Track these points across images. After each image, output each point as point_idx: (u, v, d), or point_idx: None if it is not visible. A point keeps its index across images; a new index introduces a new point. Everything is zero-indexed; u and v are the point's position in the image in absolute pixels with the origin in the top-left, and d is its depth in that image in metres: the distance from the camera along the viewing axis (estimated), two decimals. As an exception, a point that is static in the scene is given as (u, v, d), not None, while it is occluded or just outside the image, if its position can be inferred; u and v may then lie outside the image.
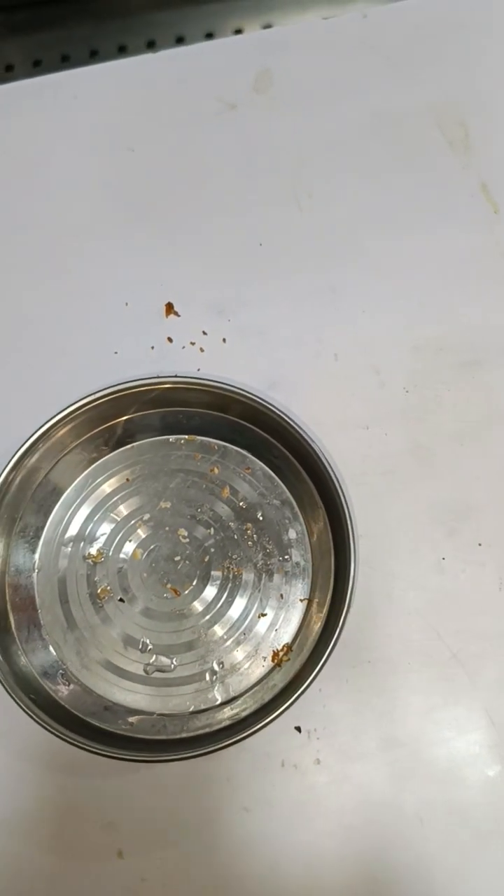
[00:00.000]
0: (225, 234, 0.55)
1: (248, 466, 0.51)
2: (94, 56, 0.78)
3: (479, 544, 0.48)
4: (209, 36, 0.77)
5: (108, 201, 0.57)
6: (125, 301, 0.54)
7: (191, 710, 0.46)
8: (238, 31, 0.77)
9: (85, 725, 0.45)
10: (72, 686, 0.47)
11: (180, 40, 0.78)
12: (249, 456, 0.51)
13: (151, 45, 0.78)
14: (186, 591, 0.48)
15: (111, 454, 0.51)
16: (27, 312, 0.54)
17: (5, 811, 0.45)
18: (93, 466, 0.51)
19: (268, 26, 0.77)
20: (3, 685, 0.43)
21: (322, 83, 0.59)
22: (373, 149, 0.57)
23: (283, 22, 0.76)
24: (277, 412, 0.48)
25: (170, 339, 0.53)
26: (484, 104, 0.57)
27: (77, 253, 0.56)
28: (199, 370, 0.52)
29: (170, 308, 0.54)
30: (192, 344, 0.53)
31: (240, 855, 0.44)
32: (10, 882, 0.44)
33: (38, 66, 0.75)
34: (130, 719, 0.46)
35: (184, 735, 0.45)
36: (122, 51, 0.78)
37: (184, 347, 0.53)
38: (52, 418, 0.48)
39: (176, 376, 0.50)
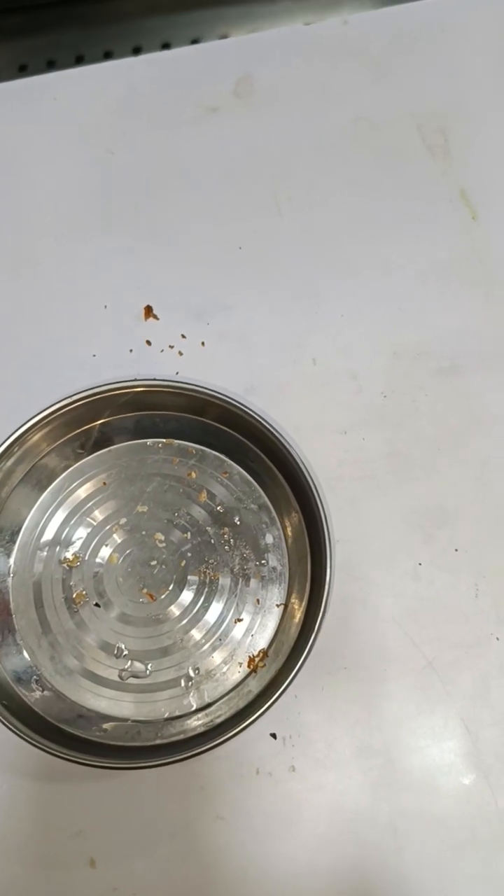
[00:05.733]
0: (205, 237, 0.55)
1: (225, 471, 0.50)
2: (79, 61, 0.78)
3: (456, 550, 0.48)
4: (195, 41, 0.78)
5: (88, 204, 0.56)
6: (104, 304, 0.54)
7: (165, 716, 0.46)
8: (223, 37, 0.77)
9: (58, 731, 0.45)
10: (45, 692, 0.46)
11: (166, 46, 0.78)
12: (227, 460, 0.50)
13: (137, 51, 0.78)
14: (163, 596, 0.48)
15: (88, 458, 0.51)
16: (4, 314, 0.54)
17: (-24, 819, 0.45)
18: (69, 470, 0.50)
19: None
20: (-25, 692, 0.43)
21: (303, 88, 0.59)
22: (353, 154, 0.57)
23: (265, 28, 0.76)
24: (255, 416, 0.48)
25: (148, 343, 0.53)
26: (463, 111, 0.57)
27: (56, 255, 0.55)
28: (177, 373, 0.52)
29: (149, 311, 0.54)
30: (171, 347, 0.53)
31: (214, 864, 0.43)
32: (-20, 891, 0.44)
33: (23, 71, 0.75)
34: (104, 725, 0.45)
35: (158, 742, 0.45)
36: (108, 56, 0.78)
37: (162, 351, 0.53)
38: (27, 421, 0.47)
39: (154, 379, 0.49)
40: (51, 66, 0.78)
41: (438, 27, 0.60)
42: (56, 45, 0.78)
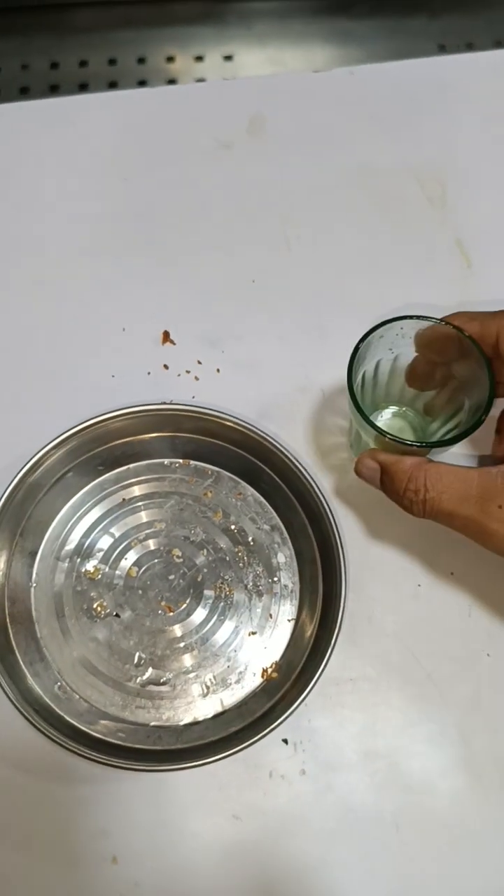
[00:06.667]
0: (220, 268, 0.58)
1: (239, 492, 0.53)
2: (54, 67, 0.81)
3: (451, 574, 0.52)
4: (170, 59, 0.81)
5: (106, 230, 0.59)
6: (122, 327, 0.56)
7: (184, 722, 0.49)
8: (199, 58, 0.81)
9: (83, 735, 0.47)
10: (69, 697, 0.48)
11: (141, 61, 0.81)
12: (241, 482, 0.54)
13: (113, 63, 0.81)
14: (180, 609, 0.51)
15: (108, 475, 0.53)
16: (28, 335, 0.56)
17: (1, 820, 0.47)
18: (90, 486, 0.53)
19: (228, 57, 0.81)
20: (8, 698, 0.45)
21: (311, 132, 0.63)
22: (357, 198, 0.61)
23: (240, 52, 0.81)
24: (270, 440, 0.51)
25: (166, 367, 0.56)
26: (459, 165, 0.62)
27: (76, 278, 0.58)
28: (193, 397, 0.55)
29: (166, 336, 0.56)
30: (188, 372, 0.56)
31: (230, 861, 0.46)
32: (3, 889, 0.46)
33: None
34: (126, 730, 0.48)
35: (178, 746, 0.48)
36: (84, 65, 0.81)
37: (179, 375, 0.56)
38: (53, 439, 0.50)
39: (172, 402, 0.52)
40: (24, 68, 0.81)
41: (438, 84, 0.64)
42: (28, 50, 0.81)
